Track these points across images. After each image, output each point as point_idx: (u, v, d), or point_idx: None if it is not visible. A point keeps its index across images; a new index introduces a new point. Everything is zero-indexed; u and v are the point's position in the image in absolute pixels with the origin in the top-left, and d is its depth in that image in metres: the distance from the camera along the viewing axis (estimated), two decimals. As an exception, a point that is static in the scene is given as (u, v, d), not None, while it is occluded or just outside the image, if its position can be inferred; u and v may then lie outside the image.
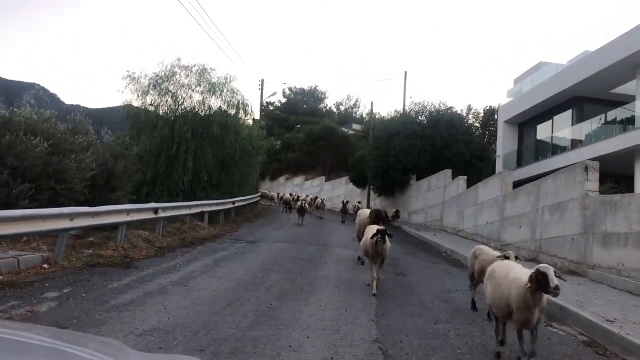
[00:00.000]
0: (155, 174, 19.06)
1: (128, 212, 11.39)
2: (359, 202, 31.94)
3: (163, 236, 13.22)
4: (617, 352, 6.22)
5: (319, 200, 31.22)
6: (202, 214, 17.14)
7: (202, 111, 21.00)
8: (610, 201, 11.27)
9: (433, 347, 5.99)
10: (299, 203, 23.59)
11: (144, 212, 12.52)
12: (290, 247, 14.47)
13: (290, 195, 33.62)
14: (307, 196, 34.99)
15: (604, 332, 6.66)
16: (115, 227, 11.38)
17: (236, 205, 22.06)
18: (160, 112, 20.76)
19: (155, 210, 13.00)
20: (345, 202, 29.36)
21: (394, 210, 26.49)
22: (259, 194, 33.95)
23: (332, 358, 5.26)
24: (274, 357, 5.14)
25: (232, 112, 21.71)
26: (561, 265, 12.66)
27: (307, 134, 56.74)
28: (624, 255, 10.52)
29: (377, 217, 11.84)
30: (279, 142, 57.02)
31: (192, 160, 19.40)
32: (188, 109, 20.90)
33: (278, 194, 41.88)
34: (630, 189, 17.26)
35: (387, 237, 9.07)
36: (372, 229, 9.52)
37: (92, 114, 18.92)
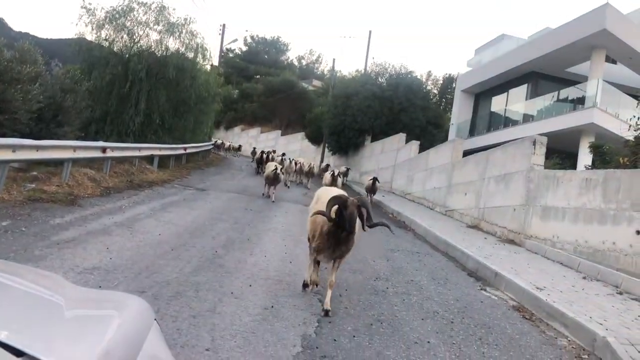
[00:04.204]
0: (105, 112, 18.45)
1: (74, 148, 11.04)
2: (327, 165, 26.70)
3: (110, 176, 12.93)
4: (542, 317, 6.59)
5: (303, 164, 22.78)
6: (151, 157, 16.81)
7: (158, 51, 20.28)
8: (553, 176, 11.71)
9: (371, 302, 6.19)
10: (272, 168, 14.91)
11: (92, 150, 12.18)
12: (240, 198, 14.45)
13: (264, 152, 23.71)
14: (282, 155, 24.38)
15: (532, 299, 7.02)
16: (60, 162, 11.04)
17: (188, 151, 21.71)
18: (115, 49, 19.92)
19: (103, 149, 12.66)
20: (333, 172, 18.60)
21: (345, 168, 23.99)
22: (213, 142, 33.29)
23: (273, 306, 5.37)
24: (215, 302, 5.20)
25: (190, 55, 21.07)
26: (500, 233, 13.17)
27: (266, 85, 55.93)
28: (559, 228, 11.04)
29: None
30: (237, 91, 56.15)
31: (145, 101, 18.83)
32: (144, 47, 20.13)
33: (234, 144, 41.21)
34: (574, 166, 17.95)
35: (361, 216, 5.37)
36: (329, 193, 5.74)
37: (43, 44, 17.93)
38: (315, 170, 23.28)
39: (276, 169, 14.75)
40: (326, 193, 5.97)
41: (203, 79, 21.83)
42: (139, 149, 15.51)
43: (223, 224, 9.89)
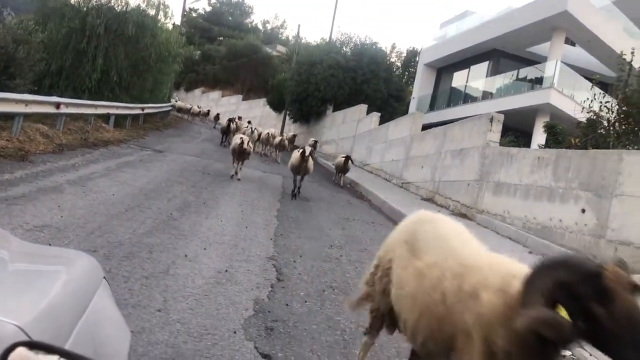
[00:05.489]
0: (60, 67, 17.74)
1: (26, 102, 10.62)
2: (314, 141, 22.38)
3: (63, 133, 12.53)
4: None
5: (274, 134, 21.67)
6: (108, 115, 16.37)
7: (118, 6, 19.51)
8: (507, 153, 12.01)
9: (324, 269, 6.28)
10: (238, 140, 12.84)
11: (45, 105, 11.76)
12: (198, 161, 14.29)
13: (232, 120, 21.97)
14: (248, 123, 25.18)
15: (480, 270, 7.25)
16: (10, 117, 10.63)
17: (145, 111, 21.20)
18: (72, 1, 19.12)
19: (57, 105, 12.23)
20: (303, 150, 12.45)
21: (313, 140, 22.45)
22: (172, 103, 32.33)
23: (227, 270, 5.39)
24: (169, 264, 5.19)
25: (151, 12, 20.39)
26: (454, 207, 13.48)
27: (229, 48, 54.79)
28: (510, 204, 11.38)
29: None
30: (199, 52, 54.82)
31: (102, 58, 18.18)
32: (103, 1, 19.39)
33: (199, 106, 39.01)
34: (528, 144, 18.39)
35: None
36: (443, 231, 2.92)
37: (-7, -9, 17.05)
38: (287, 143, 20.60)
39: (242, 141, 12.53)
40: (438, 232, 2.90)
41: (164, 38, 21.23)
42: (95, 106, 15.07)
43: (180, 186, 9.78)
